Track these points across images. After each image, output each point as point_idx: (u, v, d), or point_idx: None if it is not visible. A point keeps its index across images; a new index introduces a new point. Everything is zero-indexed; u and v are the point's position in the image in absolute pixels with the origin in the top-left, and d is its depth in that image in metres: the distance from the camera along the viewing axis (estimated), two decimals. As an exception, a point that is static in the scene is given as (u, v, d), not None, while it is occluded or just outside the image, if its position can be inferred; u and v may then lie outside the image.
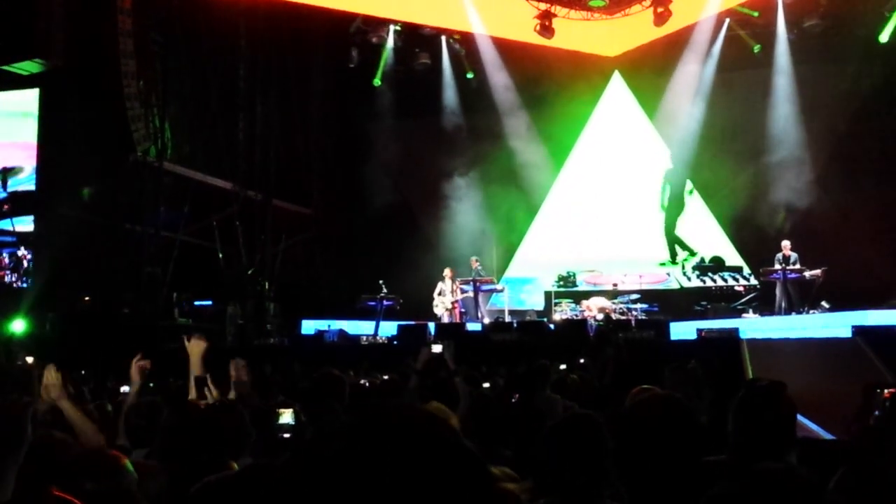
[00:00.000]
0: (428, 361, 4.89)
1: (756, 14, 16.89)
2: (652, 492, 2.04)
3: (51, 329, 12.88)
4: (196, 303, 15.04)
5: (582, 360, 8.56)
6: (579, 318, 15.18)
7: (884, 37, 15.45)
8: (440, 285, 15.75)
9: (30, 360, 5.05)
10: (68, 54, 13.06)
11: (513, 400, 5.02)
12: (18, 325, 11.46)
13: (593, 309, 15.58)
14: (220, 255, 16.25)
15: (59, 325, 12.98)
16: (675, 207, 17.46)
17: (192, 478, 2.39)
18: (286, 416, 2.85)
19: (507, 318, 15.34)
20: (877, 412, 3.01)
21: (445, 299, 15.59)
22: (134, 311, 13.96)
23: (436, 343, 4.97)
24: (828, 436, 6.53)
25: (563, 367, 7.48)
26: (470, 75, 19.03)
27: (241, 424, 3.06)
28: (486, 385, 5.68)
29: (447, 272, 15.77)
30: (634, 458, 2.08)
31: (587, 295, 16.55)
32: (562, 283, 16.76)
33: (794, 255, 14.27)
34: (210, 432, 2.95)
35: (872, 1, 15.50)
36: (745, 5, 16.82)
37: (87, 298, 14.02)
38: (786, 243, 14.38)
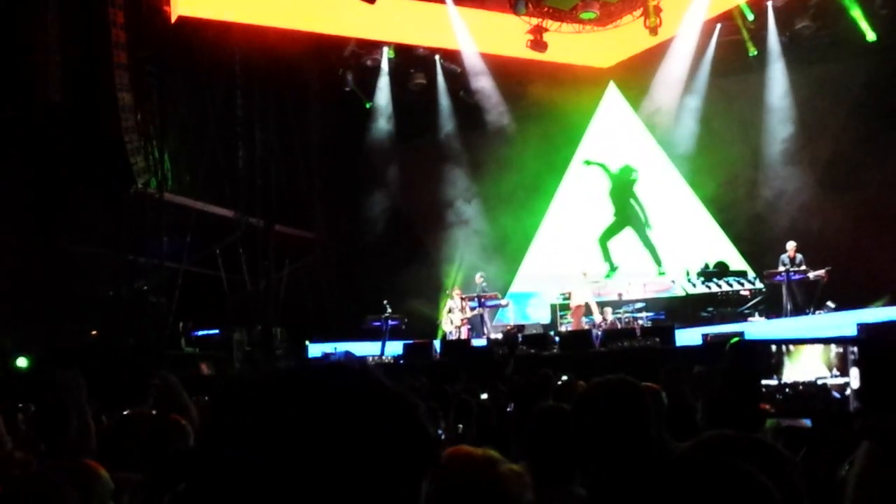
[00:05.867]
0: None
1: (752, 17, 16.85)
2: (607, 471, 2.05)
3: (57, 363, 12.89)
4: (202, 332, 15.09)
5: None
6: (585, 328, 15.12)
7: (870, 36, 15.49)
8: (449, 303, 15.78)
9: None
10: (65, 89, 13.17)
11: (508, 409, 5.03)
12: (21, 361, 11.51)
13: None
14: (225, 283, 16.32)
15: (65, 360, 12.99)
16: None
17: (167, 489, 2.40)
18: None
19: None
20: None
21: (455, 316, 15.61)
22: (140, 341, 14.00)
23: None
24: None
25: (564, 377, 7.48)
26: (462, 94, 19.10)
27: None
28: (484, 396, 5.68)
29: (456, 291, 15.81)
30: (587, 440, 2.09)
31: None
32: (566, 295, 16.72)
33: (799, 256, 14.22)
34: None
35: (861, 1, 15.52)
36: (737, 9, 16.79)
37: (94, 332, 14.07)
38: (791, 244, 14.33)
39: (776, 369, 2.35)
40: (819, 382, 2.34)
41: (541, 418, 2.40)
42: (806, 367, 2.36)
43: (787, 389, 2.33)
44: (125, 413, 4.23)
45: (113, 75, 13.38)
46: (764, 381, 2.37)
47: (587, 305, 15.32)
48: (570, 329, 15.20)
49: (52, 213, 13.31)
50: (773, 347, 2.39)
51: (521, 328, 15.31)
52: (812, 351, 2.38)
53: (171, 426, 3.10)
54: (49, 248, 13.89)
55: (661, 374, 5.02)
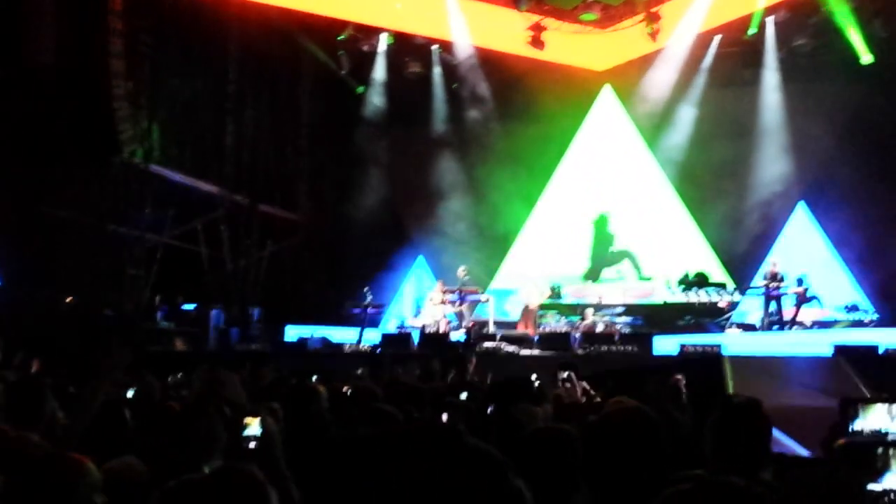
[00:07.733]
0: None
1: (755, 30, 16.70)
2: (618, 500, 2.04)
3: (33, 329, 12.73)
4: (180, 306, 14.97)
5: (566, 374, 8.51)
6: (563, 330, 15.15)
7: (867, 58, 15.48)
8: (430, 294, 15.74)
9: None
10: (57, 53, 12.95)
11: (489, 411, 5.00)
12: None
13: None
14: (205, 259, 16.17)
15: (41, 326, 12.83)
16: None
17: (164, 478, 2.35)
18: (253, 427, 2.81)
19: (492, 329, 15.31)
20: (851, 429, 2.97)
21: (435, 310, 15.52)
22: (116, 312, 13.85)
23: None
24: (805, 452, 6.55)
25: (534, 376, 7.43)
26: (455, 86, 18.99)
27: (213, 428, 3.01)
28: (464, 396, 5.63)
29: (438, 284, 15.77)
30: (601, 468, 2.08)
31: (574, 308, 16.58)
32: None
33: (780, 273, 14.32)
34: (182, 433, 2.93)
35: (860, 21, 15.52)
36: (742, 21, 16.69)
37: (69, 299, 13.90)
38: (772, 260, 14.46)
39: (881, 472, 2.26)
40: None
41: (536, 440, 2.37)
42: None
43: (892, 495, 2.24)
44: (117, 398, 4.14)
45: (107, 41, 13.18)
46: (869, 486, 2.26)
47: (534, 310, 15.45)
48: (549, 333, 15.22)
49: (34, 177, 13.09)
50: (880, 450, 2.30)
51: (483, 324, 15.38)
52: None
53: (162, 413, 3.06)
54: (29, 212, 13.71)
55: (650, 388, 5.05)
